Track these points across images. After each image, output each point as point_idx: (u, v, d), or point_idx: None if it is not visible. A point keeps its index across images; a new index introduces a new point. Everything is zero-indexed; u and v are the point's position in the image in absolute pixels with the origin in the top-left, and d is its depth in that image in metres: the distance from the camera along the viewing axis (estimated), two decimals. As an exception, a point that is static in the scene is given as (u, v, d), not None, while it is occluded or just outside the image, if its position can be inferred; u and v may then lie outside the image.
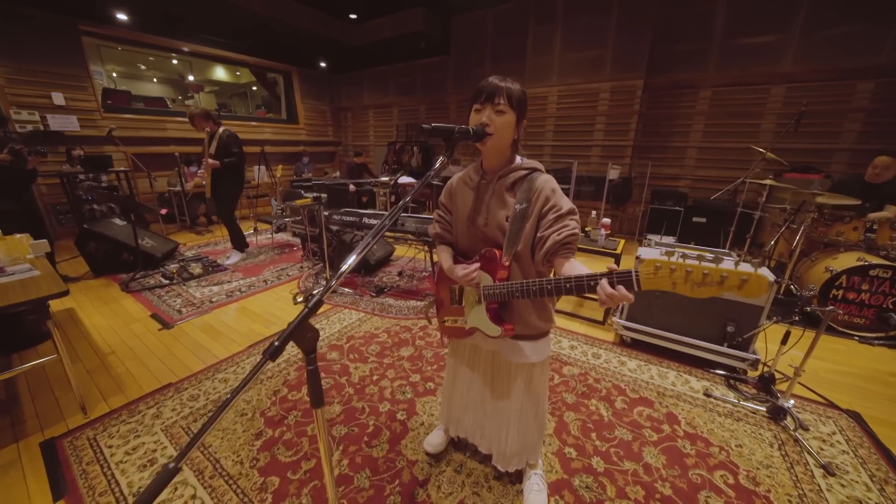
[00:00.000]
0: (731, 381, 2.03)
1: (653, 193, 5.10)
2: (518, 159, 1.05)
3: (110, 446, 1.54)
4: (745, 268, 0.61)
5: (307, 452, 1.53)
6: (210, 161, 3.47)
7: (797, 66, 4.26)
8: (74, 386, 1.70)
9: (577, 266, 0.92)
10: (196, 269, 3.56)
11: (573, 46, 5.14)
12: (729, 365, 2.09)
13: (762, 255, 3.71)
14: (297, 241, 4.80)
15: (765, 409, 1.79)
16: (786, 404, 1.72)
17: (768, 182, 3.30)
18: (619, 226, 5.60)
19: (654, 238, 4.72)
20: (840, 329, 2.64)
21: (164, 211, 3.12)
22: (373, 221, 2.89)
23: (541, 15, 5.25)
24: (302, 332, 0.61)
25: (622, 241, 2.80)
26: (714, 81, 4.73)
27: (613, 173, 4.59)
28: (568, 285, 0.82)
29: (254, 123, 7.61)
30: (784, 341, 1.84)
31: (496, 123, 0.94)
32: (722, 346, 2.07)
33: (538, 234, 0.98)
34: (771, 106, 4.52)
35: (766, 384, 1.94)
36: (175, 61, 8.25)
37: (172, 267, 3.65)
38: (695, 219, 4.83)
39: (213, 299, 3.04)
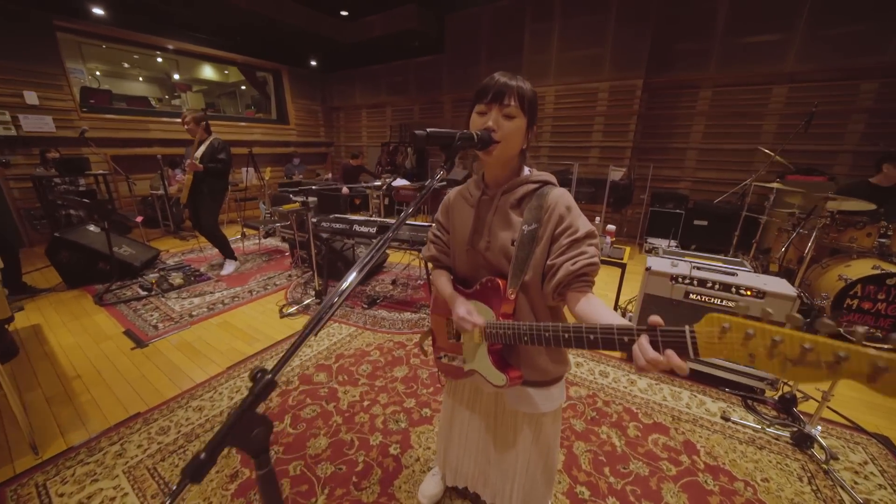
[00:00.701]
0: (749, 402, 1.90)
1: (653, 196, 4.98)
2: (526, 170, 0.89)
3: (62, 494, 1.35)
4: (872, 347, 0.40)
5: (289, 498, 1.35)
6: (194, 163, 3.25)
7: (800, 65, 4.17)
8: (22, 422, 1.51)
9: (597, 305, 0.76)
10: (177, 279, 3.35)
11: (571, 45, 5.00)
12: (745, 384, 1.96)
13: (769, 261, 3.61)
14: (287, 246, 4.60)
15: (788, 436, 1.66)
16: (812, 431, 1.59)
17: (775, 185, 3.18)
18: (619, 229, 5.47)
19: (659, 243, 4.61)
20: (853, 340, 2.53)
21: (139, 219, 2.91)
22: (363, 229, 2.72)
23: (538, 12, 5.10)
24: (244, 431, 0.43)
25: (628, 249, 2.65)
26: (715, 81, 4.62)
27: (616, 174, 4.46)
28: (592, 337, 0.66)
29: (242, 124, 7.39)
30: (807, 361, 1.71)
31: (504, 129, 0.78)
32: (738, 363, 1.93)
33: (548, 262, 0.82)
34: (773, 107, 4.43)
35: (787, 406, 1.81)
36: (160, 59, 7.98)
37: (152, 277, 3.44)
38: (696, 222, 4.72)
39: (194, 313, 2.85)
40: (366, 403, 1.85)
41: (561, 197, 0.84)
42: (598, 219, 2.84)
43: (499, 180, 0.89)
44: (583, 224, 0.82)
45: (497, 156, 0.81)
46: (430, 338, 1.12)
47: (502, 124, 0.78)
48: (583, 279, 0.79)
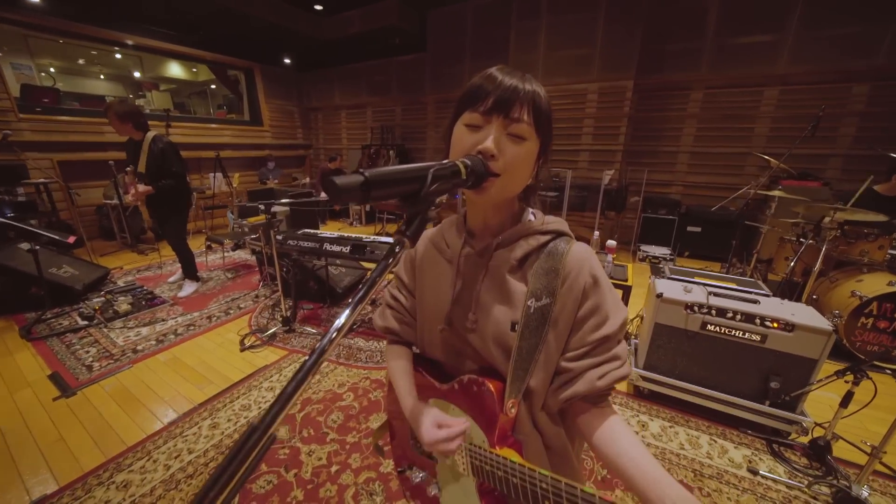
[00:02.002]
0: (776, 447, 1.67)
1: (645, 201, 4.81)
2: (530, 214, 0.61)
3: None
4: None
5: None
6: (141, 188, 2.75)
7: (791, 67, 4.06)
8: None
9: (622, 438, 0.51)
10: (123, 304, 2.94)
11: (559, 44, 4.78)
12: (770, 426, 1.73)
13: (768, 271, 3.45)
14: (256, 260, 4.21)
15: (829, 496, 1.43)
16: (861, 492, 1.36)
17: (778, 193, 3.02)
18: (610, 234, 5.29)
19: (653, 250, 4.42)
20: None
21: (71, 239, 2.51)
22: (335, 248, 2.40)
23: (524, 9, 4.86)
24: None
25: (630, 266, 2.42)
26: (706, 83, 4.48)
27: (607, 178, 4.27)
28: None
29: (213, 126, 6.89)
30: (844, 403, 1.49)
31: (509, 156, 0.50)
32: (763, 404, 1.70)
33: (563, 362, 0.55)
34: (764, 109, 4.31)
35: (820, 453, 1.59)
36: (119, 55, 7.39)
37: (96, 302, 3.02)
38: (689, 228, 4.58)
39: (139, 347, 2.46)
40: (334, 469, 1.53)
41: (585, 260, 0.56)
42: (596, 234, 2.59)
43: (490, 227, 0.60)
44: (613, 306, 0.55)
45: (494, 195, 0.52)
46: (388, 432, 0.83)
47: (506, 148, 0.50)
48: (606, 395, 0.56)
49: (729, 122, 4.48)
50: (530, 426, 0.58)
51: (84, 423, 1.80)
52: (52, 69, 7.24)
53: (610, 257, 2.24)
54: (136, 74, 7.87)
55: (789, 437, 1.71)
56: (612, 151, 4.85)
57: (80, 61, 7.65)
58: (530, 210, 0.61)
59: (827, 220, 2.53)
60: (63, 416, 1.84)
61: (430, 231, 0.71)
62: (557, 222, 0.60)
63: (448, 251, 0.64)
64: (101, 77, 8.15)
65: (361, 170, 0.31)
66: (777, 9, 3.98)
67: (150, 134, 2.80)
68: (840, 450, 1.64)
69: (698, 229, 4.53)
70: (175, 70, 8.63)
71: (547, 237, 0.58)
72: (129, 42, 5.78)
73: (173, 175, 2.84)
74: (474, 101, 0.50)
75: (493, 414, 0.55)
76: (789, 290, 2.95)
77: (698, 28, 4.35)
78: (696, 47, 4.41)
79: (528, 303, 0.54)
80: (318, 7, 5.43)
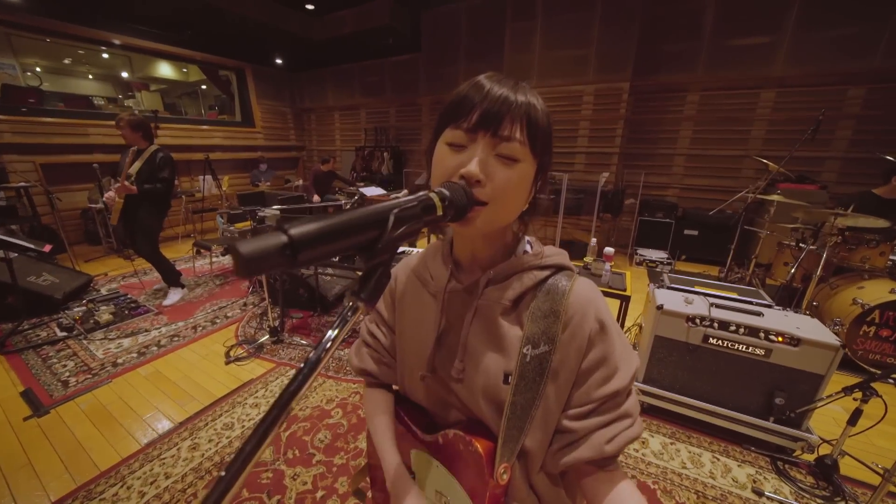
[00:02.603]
0: (780, 465, 1.61)
1: (641, 204, 4.77)
2: (526, 245, 0.53)
3: None
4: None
5: None
6: (126, 184, 2.69)
7: (788, 69, 4.03)
8: None
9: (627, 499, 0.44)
10: (105, 314, 2.83)
11: (555, 44, 4.72)
12: (774, 443, 1.67)
13: (766, 276, 3.41)
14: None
15: (838, 518, 1.37)
16: (871, 518, 1.30)
17: (776, 198, 2.97)
18: (607, 238, 5.25)
19: (650, 254, 4.37)
20: (872, 370, 2.32)
21: (47, 248, 2.40)
22: (325, 257, 2.31)
23: (519, 9, 4.79)
24: None
25: (628, 273, 2.35)
26: (703, 84, 4.44)
27: (603, 180, 4.21)
28: None
29: (204, 127, 6.76)
30: (853, 421, 1.44)
31: (498, 181, 0.42)
32: (767, 420, 1.64)
33: (566, 421, 0.48)
34: (761, 111, 4.28)
35: (826, 472, 1.53)
36: (106, 55, 7.23)
37: (76, 311, 2.91)
38: (686, 231, 4.54)
39: (119, 360, 2.36)
40: (320, 495, 1.45)
41: (590, 301, 0.48)
42: (593, 240, 2.53)
43: (480, 260, 0.52)
44: (623, 355, 0.47)
45: (481, 226, 0.44)
46: (368, 476, 0.75)
47: (494, 172, 0.42)
48: (614, 456, 0.47)
49: (726, 124, 4.44)
50: (526, 490, 0.50)
51: (55, 446, 1.69)
52: (37, 69, 7.08)
53: (608, 265, 2.18)
54: (125, 75, 7.71)
55: (794, 455, 1.65)
56: (609, 154, 4.79)
57: (67, 61, 7.48)
58: (527, 239, 0.54)
59: (828, 225, 2.48)
60: (32, 438, 1.74)
61: (412, 258, 0.63)
62: (557, 255, 0.52)
63: (432, 283, 0.56)
64: (90, 77, 7.98)
65: (285, 225, 0.23)
66: (774, 9, 3.95)
67: (154, 146, 2.84)
68: (847, 467, 1.58)
69: (695, 233, 4.49)
70: (165, 70, 8.47)
71: (545, 273, 0.50)
72: (117, 42, 5.65)
73: (161, 180, 2.83)
74: (457, 115, 0.43)
75: (481, 478, 0.48)
76: (788, 295, 2.90)
77: (695, 29, 4.31)
78: (693, 48, 4.36)
79: (524, 350, 0.47)
80: (310, 7, 5.33)
